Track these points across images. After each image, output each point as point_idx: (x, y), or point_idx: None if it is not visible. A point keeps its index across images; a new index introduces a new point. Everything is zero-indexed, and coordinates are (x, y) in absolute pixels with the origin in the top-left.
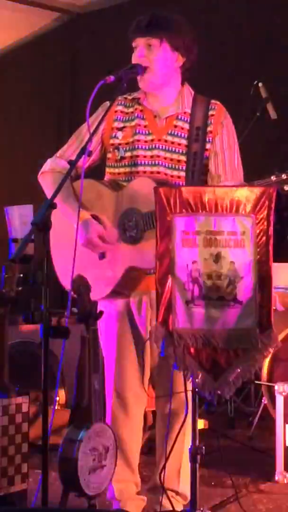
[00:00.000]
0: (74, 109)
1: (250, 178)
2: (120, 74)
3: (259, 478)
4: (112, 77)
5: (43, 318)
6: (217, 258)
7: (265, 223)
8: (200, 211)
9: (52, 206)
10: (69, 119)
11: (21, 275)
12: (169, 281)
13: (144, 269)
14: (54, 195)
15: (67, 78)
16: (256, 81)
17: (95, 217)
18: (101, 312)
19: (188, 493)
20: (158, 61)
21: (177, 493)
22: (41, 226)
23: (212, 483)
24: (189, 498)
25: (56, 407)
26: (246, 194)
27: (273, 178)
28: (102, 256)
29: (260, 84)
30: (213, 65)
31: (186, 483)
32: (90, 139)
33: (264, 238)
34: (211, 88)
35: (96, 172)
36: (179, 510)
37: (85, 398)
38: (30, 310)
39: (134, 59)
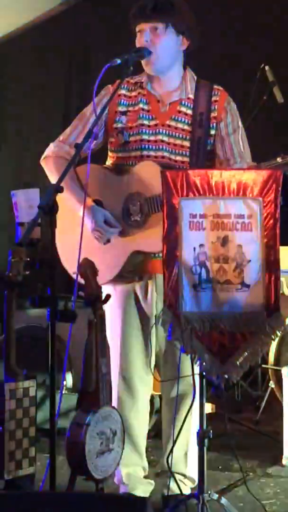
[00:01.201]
0: (80, 93)
1: (257, 161)
2: (126, 57)
3: (266, 462)
4: (118, 60)
5: (50, 302)
6: (224, 241)
7: (273, 206)
8: (207, 194)
9: (58, 190)
10: (76, 102)
11: (28, 259)
12: (176, 264)
13: (149, 253)
14: (61, 179)
15: (74, 62)
16: (263, 65)
17: (98, 202)
18: (108, 296)
19: (195, 476)
20: (163, 46)
21: (184, 476)
22: (48, 210)
23: (219, 467)
24: (196, 481)
25: (63, 391)
26: (253, 177)
27: (279, 159)
28: (107, 240)
29: (267, 68)
30: (220, 49)
31: (194, 466)
32: (96, 122)
33: (271, 221)
34: (217, 72)
35: (96, 156)
36: (187, 493)
37: (92, 382)
38: (37, 294)
39: (139, 44)
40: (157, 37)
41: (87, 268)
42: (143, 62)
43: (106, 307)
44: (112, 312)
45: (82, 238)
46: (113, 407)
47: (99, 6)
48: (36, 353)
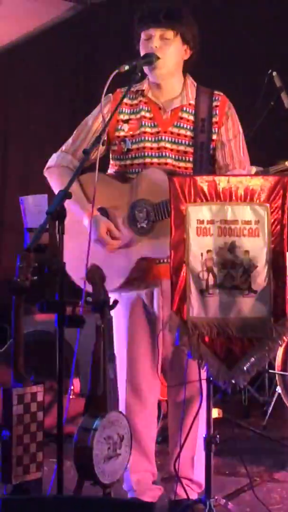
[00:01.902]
0: (88, 100)
1: (264, 167)
2: (135, 63)
3: (273, 467)
4: (126, 66)
5: (58, 308)
6: (232, 247)
7: (280, 212)
8: (215, 200)
9: (67, 195)
10: (83, 110)
11: (36, 265)
12: (184, 270)
13: (155, 259)
14: (69, 185)
15: (81, 69)
16: (270, 70)
17: (102, 210)
18: (116, 301)
19: (202, 481)
20: (171, 53)
21: (191, 481)
22: (56, 216)
23: (226, 472)
24: (203, 486)
25: (71, 396)
26: (261, 183)
27: (287, 163)
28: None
29: (274, 73)
30: (227, 54)
31: (201, 471)
32: (105, 128)
33: (278, 227)
34: (225, 78)
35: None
36: (194, 498)
37: (100, 387)
38: (45, 300)
39: (146, 49)
40: (166, 44)
41: (95, 273)
42: (146, 68)
43: (113, 313)
44: (118, 318)
45: (90, 244)
46: (121, 412)
47: (106, 12)
48: (44, 358)
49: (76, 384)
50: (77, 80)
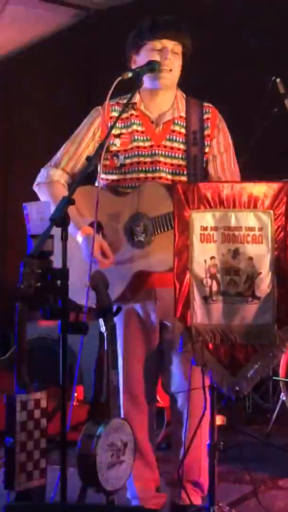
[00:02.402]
0: (92, 106)
1: (266, 174)
2: (138, 70)
3: (277, 474)
4: (129, 74)
5: (61, 314)
6: (235, 253)
7: (283, 218)
8: (218, 206)
9: (71, 202)
10: (86, 115)
11: (40, 271)
12: (187, 276)
13: (153, 273)
14: (71, 192)
15: (85, 75)
16: (274, 77)
17: (97, 224)
18: (119, 308)
19: (206, 485)
20: (178, 67)
21: (196, 484)
22: (60, 222)
23: (230, 479)
24: (206, 490)
25: (74, 403)
26: (264, 190)
27: None
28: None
29: (278, 80)
30: (231, 61)
31: (206, 474)
32: (108, 135)
33: (282, 233)
34: (228, 84)
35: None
36: (198, 503)
37: (103, 394)
38: (48, 306)
39: (154, 59)
40: (175, 58)
41: (98, 280)
42: (151, 75)
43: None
44: (119, 323)
45: (93, 250)
46: (124, 419)
47: (109, 19)
48: (47, 365)
49: (79, 391)
50: (80, 86)
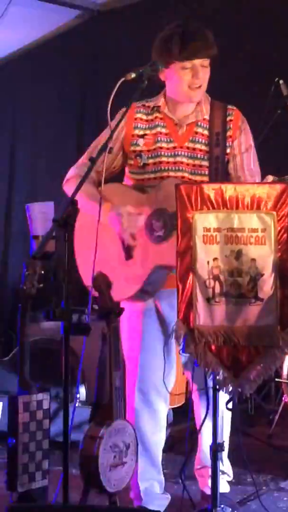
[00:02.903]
0: (95, 106)
1: (270, 175)
2: (141, 71)
3: (280, 476)
4: (133, 74)
5: (64, 315)
6: (238, 255)
7: (286, 220)
8: (221, 208)
9: (73, 203)
10: (90, 116)
11: (42, 272)
12: (190, 278)
13: (170, 267)
14: (75, 192)
15: (88, 76)
16: (277, 79)
17: None
18: (122, 309)
19: (230, 471)
20: (207, 79)
21: (222, 472)
22: (62, 223)
23: (233, 481)
24: (232, 475)
25: (77, 404)
26: (267, 191)
27: None
28: (129, 256)
29: (281, 82)
30: (234, 62)
31: (226, 461)
32: (111, 136)
33: (285, 235)
34: (231, 86)
35: (114, 179)
36: (225, 491)
37: (106, 395)
38: (51, 307)
39: (187, 78)
40: (205, 73)
41: (101, 281)
42: (180, 92)
43: (126, 318)
44: (130, 326)
45: (96, 249)
46: (127, 420)
47: (113, 20)
48: (50, 366)
49: (82, 392)
50: (84, 87)
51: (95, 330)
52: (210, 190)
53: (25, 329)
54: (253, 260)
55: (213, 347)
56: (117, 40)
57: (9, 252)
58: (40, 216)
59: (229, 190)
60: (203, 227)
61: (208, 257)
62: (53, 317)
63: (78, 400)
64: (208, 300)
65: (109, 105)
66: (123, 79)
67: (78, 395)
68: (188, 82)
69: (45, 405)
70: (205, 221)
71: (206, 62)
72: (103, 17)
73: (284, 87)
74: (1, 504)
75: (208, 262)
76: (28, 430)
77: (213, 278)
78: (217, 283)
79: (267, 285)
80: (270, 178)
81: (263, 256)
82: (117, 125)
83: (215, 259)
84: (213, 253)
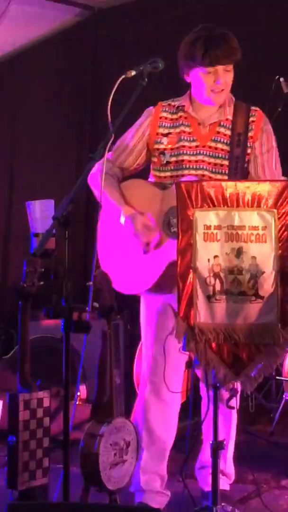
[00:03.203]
0: (95, 104)
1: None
2: (141, 68)
3: (281, 474)
4: (133, 72)
5: (64, 313)
6: (239, 252)
7: (287, 217)
8: (222, 205)
9: (72, 201)
10: (90, 114)
11: (43, 270)
12: (191, 275)
13: None
14: (75, 190)
15: (89, 73)
16: (277, 76)
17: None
18: (123, 308)
19: (232, 472)
20: (231, 82)
21: (222, 473)
22: (62, 221)
23: (233, 479)
24: (233, 477)
25: (77, 402)
26: (268, 189)
27: None
28: (146, 251)
29: (281, 79)
30: None
31: (230, 463)
32: (114, 127)
33: (286, 232)
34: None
35: (139, 176)
36: (227, 489)
37: (106, 393)
38: (51, 305)
39: (211, 83)
40: (229, 77)
41: (102, 279)
42: (202, 93)
43: (144, 308)
44: (147, 319)
45: (97, 247)
46: (127, 418)
47: (113, 18)
48: (50, 364)
49: (82, 390)
50: (83, 85)
51: (95, 328)
52: (210, 187)
53: (26, 327)
54: (254, 257)
55: (213, 345)
56: (117, 38)
57: (9, 249)
58: (40, 213)
59: (229, 187)
60: (203, 225)
61: (209, 255)
62: (53, 315)
63: (78, 398)
64: (209, 297)
65: (109, 103)
66: (123, 76)
67: (78, 393)
68: (210, 86)
69: (46, 403)
70: (206, 219)
71: (230, 67)
72: (103, 15)
73: (285, 85)
74: (1, 502)
75: (208, 260)
76: (29, 428)
77: (213, 276)
78: (217, 280)
79: (268, 283)
80: None
81: (264, 253)
82: (141, 124)
83: (215, 256)
84: (213, 250)
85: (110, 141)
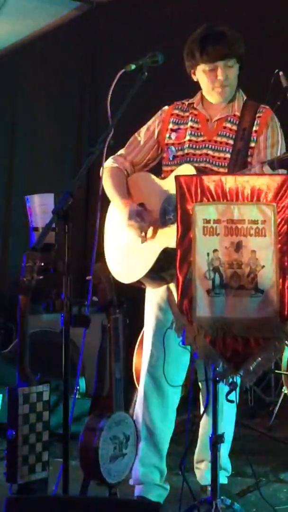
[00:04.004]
0: (95, 99)
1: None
2: (141, 63)
3: (279, 468)
4: (132, 66)
5: (63, 307)
6: (238, 246)
7: (287, 211)
8: (221, 199)
9: (72, 195)
10: (90, 108)
11: (42, 264)
12: (190, 269)
13: None
14: (74, 183)
15: (88, 68)
16: (277, 70)
17: (141, 206)
18: (123, 302)
19: (229, 467)
20: (235, 78)
21: (220, 466)
22: (62, 215)
23: (233, 472)
24: (230, 471)
25: (76, 396)
26: (267, 183)
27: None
28: (145, 239)
29: (280, 73)
30: None
31: (226, 457)
32: (115, 118)
33: (285, 226)
34: None
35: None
36: (224, 482)
37: (106, 387)
38: (51, 299)
39: (213, 80)
40: (230, 72)
41: (101, 273)
42: (208, 92)
43: (146, 303)
44: (150, 309)
45: (96, 240)
46: (127, 412)
47: (112, 12)
48: (50, 358)
49: (82, 384)
50: (83, 79)
51: (95, 322)
52: (210, 181)
53: (25, 321)
54: (253, 251)
55: (213, 339)
56: (115, 32)
57: (9, 244)
58: (40, 208)
59: (229, 181)
60: (203, 219)
61: (208, 249)
62: (53, 309)
63: (78, 392)
64: (208, 292)
65: (109, 97)
66: (122, 70)
67: (78, 387)
68: (213, 82)
69: (45, 397)
70: (205, 213)
71: (231, 61)
72: (102, 9)
73: (284, 79)
74: (1, 496)
75: (208, 254)
76: (28, 422)
77: (213, 270)
78: (217, 274)
79: (267, 277)
80: (256, 168)
81: (263, 247)
82: (154, 121)
83: (215, 250)
84: (213, 244)
85: (110, 135)
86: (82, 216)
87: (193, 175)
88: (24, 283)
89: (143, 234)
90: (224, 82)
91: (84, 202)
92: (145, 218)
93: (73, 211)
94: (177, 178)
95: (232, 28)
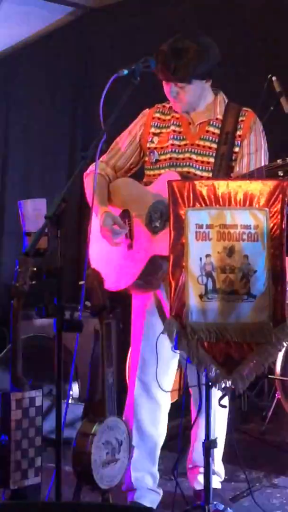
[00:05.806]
0: (88, 103)
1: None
2: (133, 68)
3: (273, 473)
4: (125, 71)
5: (56, 312)
6: (231, 251)
7: (279, 216)
8: (214, 204)
9: (65, 200)
10: (83, 113)
11: (35, 269)
12: (182, 274)
13: (166, 257)
14: (67, 190)
15: (81, 73)
16: (270, 75)
17: (125, 212)
18: (115, 306)
19: (222, 471)
20: (189, 95)
21: (213, 471)
22: (55, 220)
23: (226, 477)
24: (223, 476)
25: (69, 401)
26: (260, 188)
27: (279, 161)
28: (130, 246)
29: (274, 78)
30: (227, 59)
31: (219, 462)
32: (108, 125)
33: (277, 231)
34: (224, 82)
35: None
36: (217, 487)
37: (98, 392)
38: (44, 304)
39: (167, 92)
40: (182, 90)
41: (94, 278)
42: (171, 100)
43: (133, 310)
44: (135, 318)
45: (89, 246)
46: (119, 417)
47: (106, 18)
48: (43, 363)
49: (75, 389)
50: (76, 84)
51: (87, 327)
52: (202, 186)
53: (18, 326)
54: (246, 256)
55: (205, 344)
56: (109, 37)
57: (1, 249)
58: (33, 212)
59: (221, 186)
60: (195, 224)
61: (201, 254)
62: (45, 314)
63: (71, 397)
64: (201, 296)
65: (102, 102)
66: (115, 75)
67: (71, 392)
68: (168, 95)
69: (38, 402)
70: (198, 218)
71: (182, 84)
72: (96, 14)
73: (277, 84)
74: None
75: (200, 259)
76: (21, 427)
77: (205, 275)
78: (209, 279)
79: (260, 281)
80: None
81: (256, 252)
82: (135, 125)
83: (207, 255)
84: (205, 249)
85: (102, 140)
86: (75, 221)
87: (186, 180)
88: (16, 288)
89: (117, 241)
90: (175, 100)
91: (77, 207)
92: (122, 226)
93: (65, 216)
94: (169, 183)
95: (207, 38)
